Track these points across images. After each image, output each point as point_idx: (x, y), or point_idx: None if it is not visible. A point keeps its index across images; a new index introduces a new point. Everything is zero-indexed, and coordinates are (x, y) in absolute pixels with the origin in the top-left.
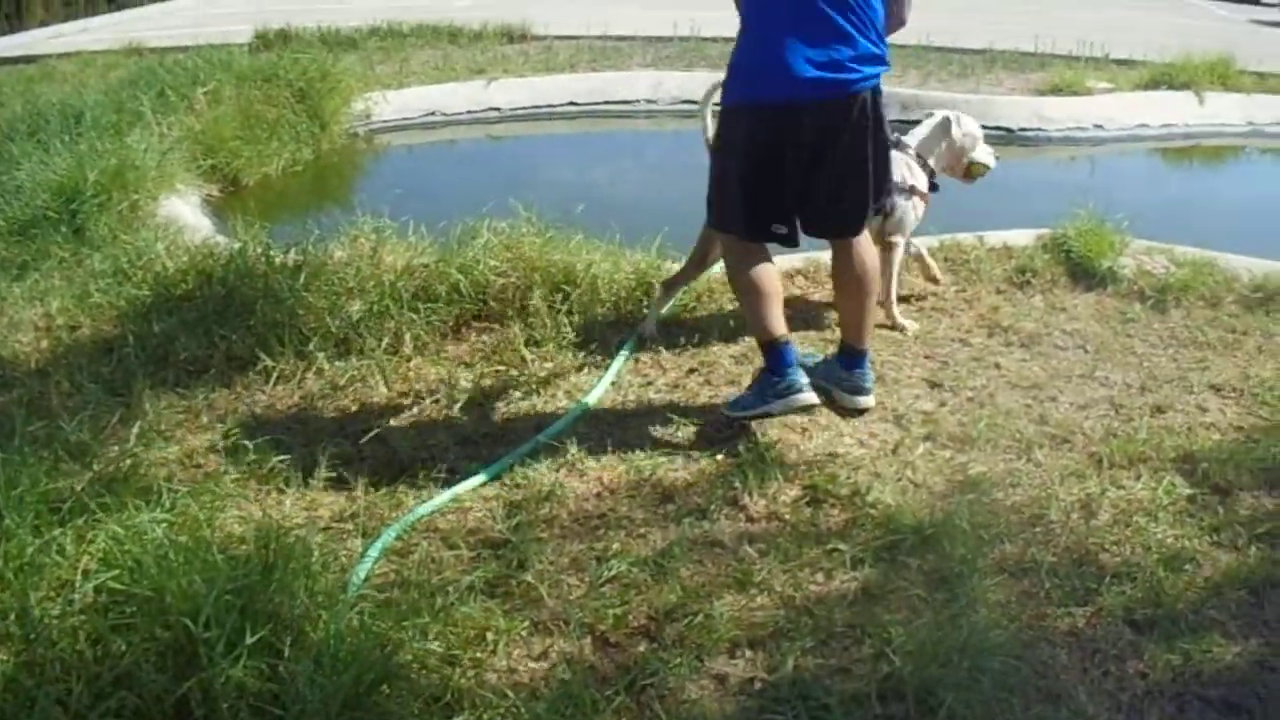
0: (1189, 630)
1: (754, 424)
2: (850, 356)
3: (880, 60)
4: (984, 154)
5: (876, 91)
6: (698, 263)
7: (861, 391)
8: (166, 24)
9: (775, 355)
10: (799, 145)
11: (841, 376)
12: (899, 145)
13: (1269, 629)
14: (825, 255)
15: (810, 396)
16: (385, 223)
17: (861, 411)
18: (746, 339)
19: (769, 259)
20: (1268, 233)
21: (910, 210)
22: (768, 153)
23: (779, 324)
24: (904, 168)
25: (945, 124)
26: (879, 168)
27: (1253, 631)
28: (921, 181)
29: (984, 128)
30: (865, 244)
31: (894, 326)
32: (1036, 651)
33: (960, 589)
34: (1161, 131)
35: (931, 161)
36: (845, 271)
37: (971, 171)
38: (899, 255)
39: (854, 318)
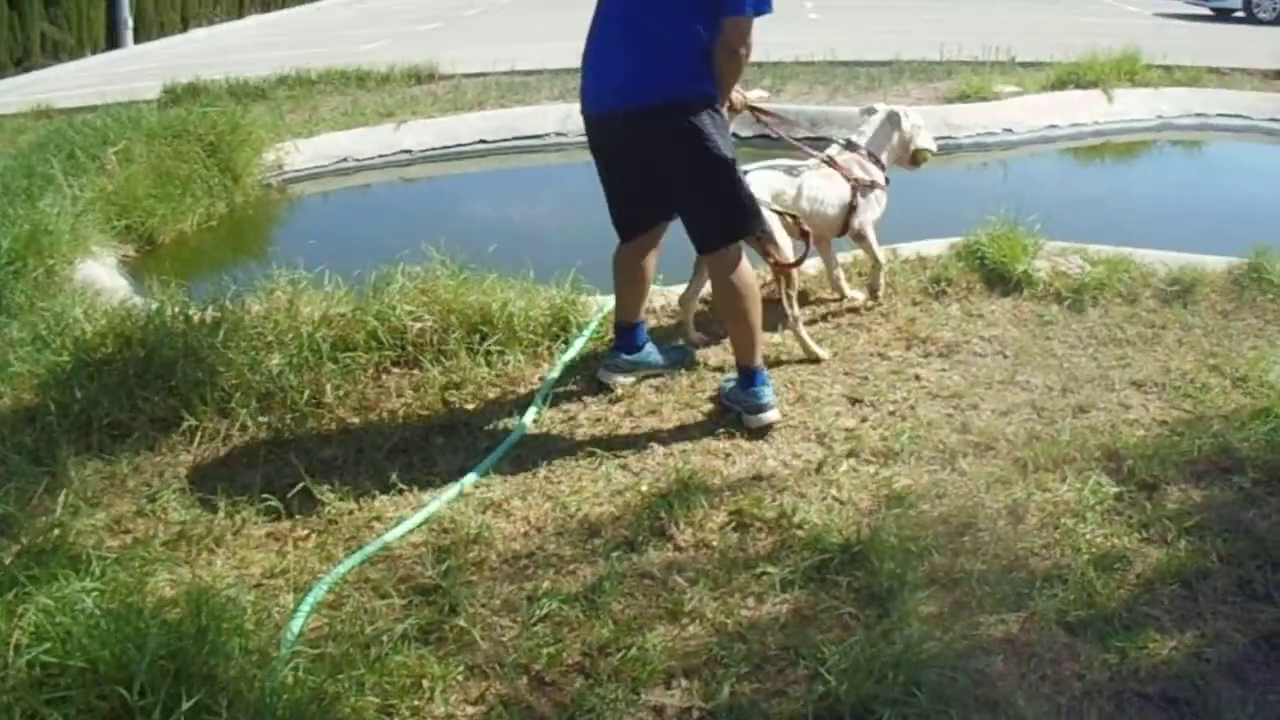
0: (1123, 628)
1: (677, 452)
2: (743, 376)
3: (687, 82)
4: (927, 140)
5: (692, 111)
6: (699, 270)
7: (760, 409)
8: (75, 83)
9: (622, 334)
10: (613, 154)
11: (739, 397)
12: (851, 147)
13: (1203, 621)
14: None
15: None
16: (301, 274)
17: (767, 428)
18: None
19: (633, 250)
20: (1182, 225)
21: (874, 203)
22: (597, 159)
23: (628, 310)
24: (858, 167)
25: (895, 118)
26: (714, 190)
27: (1187, 625)
28: (879, 176)
29: None
30: (728, 265)
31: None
32: (972, 661)
33: (891, 604)
34: (1071, 131)
35: (884, 157)
36: (714, 293)
37: (917, 159)
38: (872, 236)
39: (735, 339)
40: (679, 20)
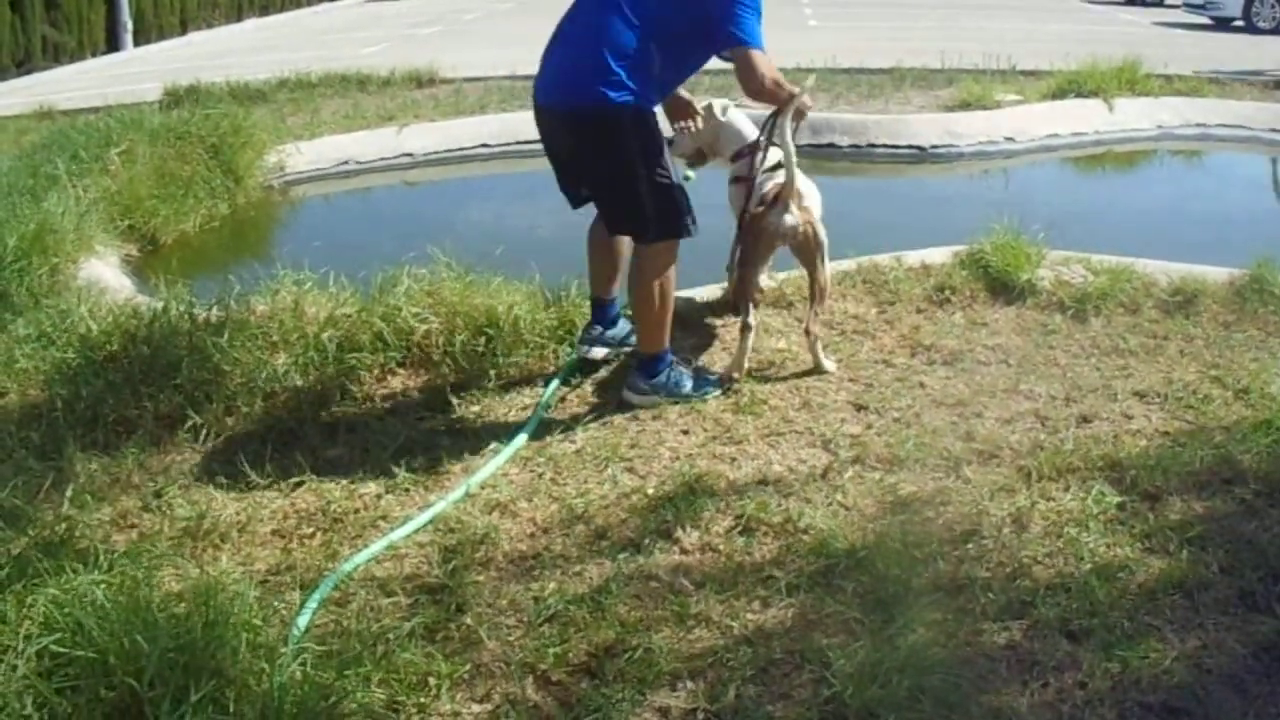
0: (1125, 638)
1: (683, 455)
2: (647, 363)
3: (599, 89)
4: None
5: (601, 118)
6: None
7: (700, 388)
8: (76, 85)
9: (596, 308)
10: (545, 141)
11: (642, 388)
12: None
13: (1204, 631)
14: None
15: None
16: (306, 274)
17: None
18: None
19: (602, 226)
20: (1183, 235)
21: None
22: (544, 145)
23: (598, 284)
24: None
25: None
26: (618, 193)
27: (1189, 635)
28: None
29: (895, 147)
30: (643, 253)
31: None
32: (975, 667)
33: (896, 609)
34: (1072, 140)
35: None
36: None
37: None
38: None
39: (638, 325)
40: (609, 27)
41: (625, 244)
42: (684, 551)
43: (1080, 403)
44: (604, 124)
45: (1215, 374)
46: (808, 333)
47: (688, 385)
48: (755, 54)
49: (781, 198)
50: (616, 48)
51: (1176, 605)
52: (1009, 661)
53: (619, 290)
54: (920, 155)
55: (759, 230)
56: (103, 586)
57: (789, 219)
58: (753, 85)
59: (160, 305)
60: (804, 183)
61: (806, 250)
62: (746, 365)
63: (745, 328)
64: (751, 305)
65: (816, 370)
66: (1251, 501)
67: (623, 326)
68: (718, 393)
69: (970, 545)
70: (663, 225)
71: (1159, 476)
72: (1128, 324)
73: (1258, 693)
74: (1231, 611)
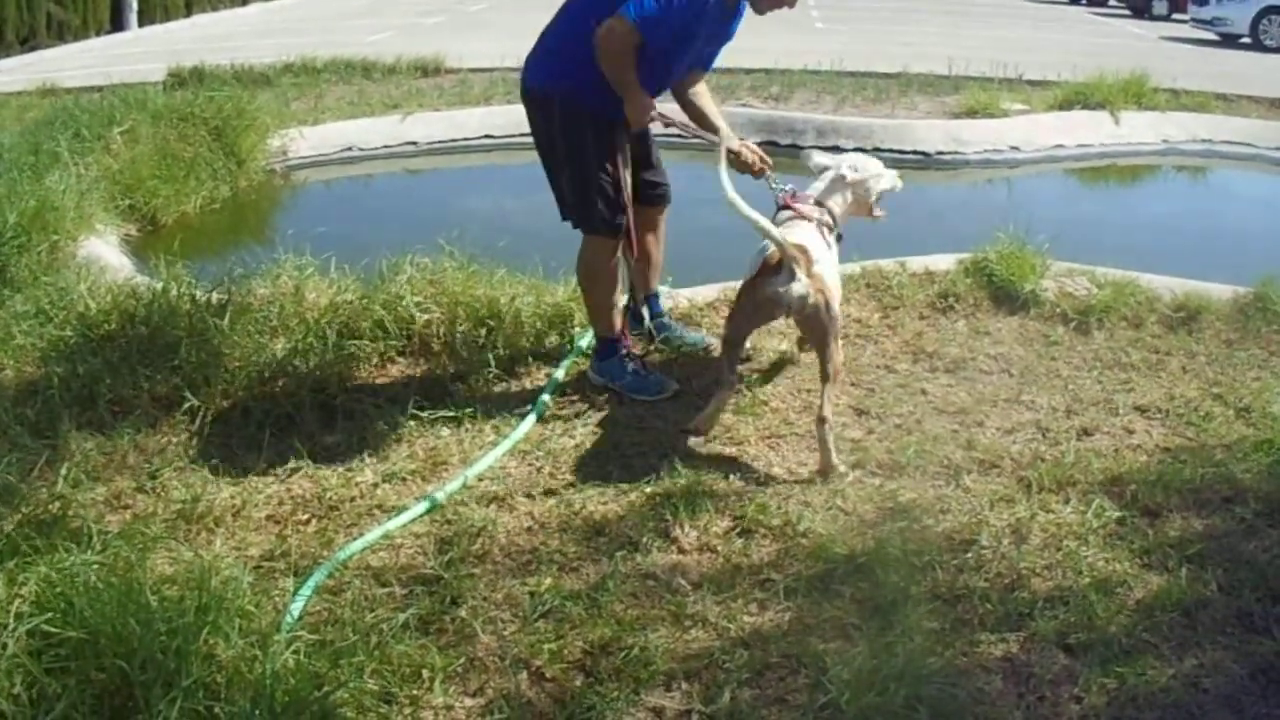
0: (1122, 653)
1: (683, 455)
2: (600, 347)
3: (556, 71)
4: (887, 184)
5: (554, 98)
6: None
7: (637, 390)
8: (80, 63)
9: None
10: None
11: (596, 367)
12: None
13: (1201, 650)
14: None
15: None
16: (307, 260)
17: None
18: (673, 370)
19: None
20: (1187, 251)
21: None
22: None
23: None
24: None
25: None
26: (561, 179)
27: (1186, 653)
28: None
29: (900, 152)
30: (586, 244)
31: None
32: (972, 678)
33: (894, 617)
34: (1077, 151)
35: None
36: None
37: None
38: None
39: (587, 310)
40: (567, 13)
41: (651, 244)
42: (682, 551)
43: (1081, 415)
44: (538, 105)
45: (1217, 391)
46: (821, 421)
47: (625, 380)
48: (613, 22)
49: (784, 263)
50: (565, 34)
51: (1174, 623)
52: (1005, 673)
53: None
54: (925, 161)
55: (757, 300)
56: (95, 567)
57: (797, 288)
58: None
59: (160, 286)
60: (815, 243)
61: (816, 326)
62: (715, 424)
63: (724, 384)
64: (734, 365)
65: (824, 470)
66: (1251, 521)
67: (667, 322)
68: (651, 399)
69: (969, 554)
70: (581, 216)
71: (1159, 492)
72: (1130, 338)
73: (1255, 714)
74: (1229, 631)
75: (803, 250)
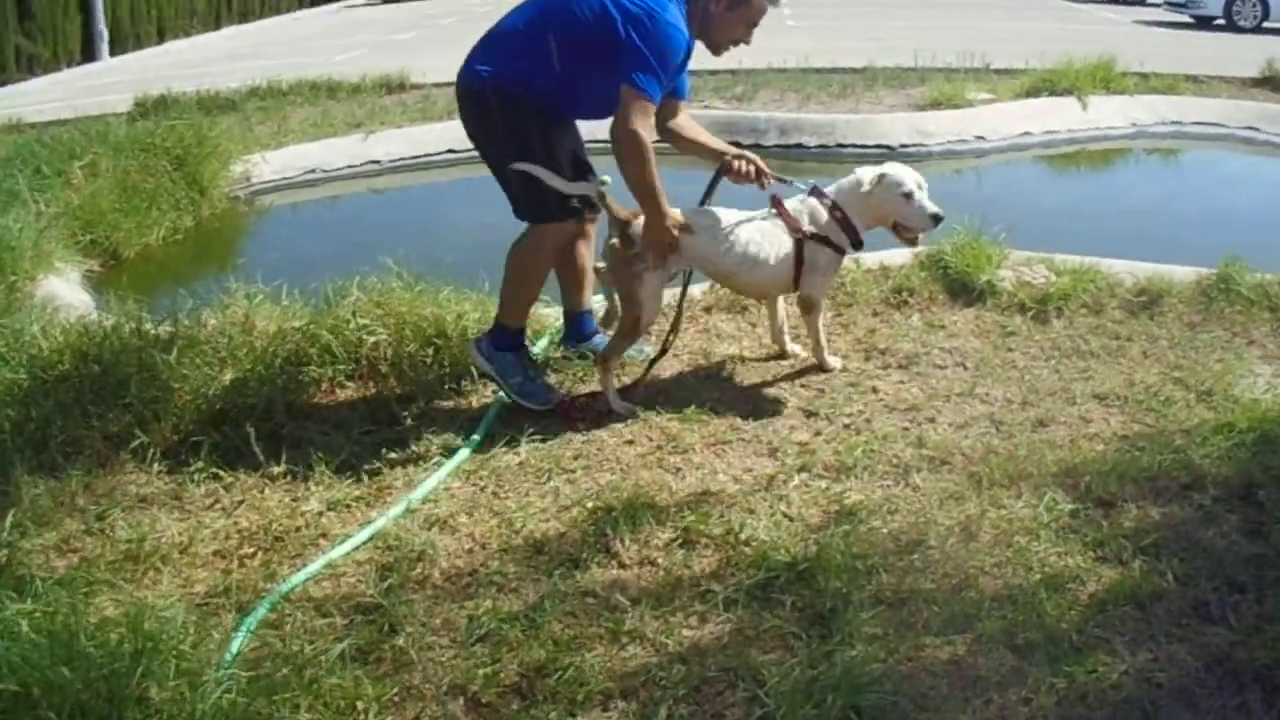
0: (1073, 651)
1: (627, 467)
2: (495, 332)
3: (492, 64)
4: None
5: (489, 95)
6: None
7: (524, 395)
8: (49, 97)
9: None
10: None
11: (484, 350)
12: (815, 192)
13: (1155, 644)
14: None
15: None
16: (258, 288)
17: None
18: (621, 382)
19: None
20: (1153, 234)
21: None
22: None
23: (569, 299)
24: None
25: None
26: (499, 173)
27: (1139, 647)
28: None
29: (864, 146)
30: (532, 232)
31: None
32: (915, 683)
33: (835, 624)
34: (1045, 139)
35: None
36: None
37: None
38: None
39: (502, 293)
40: (516, 14)
41: (584, 254)
42: (622, 566)
43: (1037, 406)
44: (471, 98)
45: (1178, 375)
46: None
47: (514, 381)
48: (640, 102)
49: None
50: (507, 30)
51: (1127, 617)
52: (951, 677)
53: (587, 302)
54: (889, 155)
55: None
56: (32, 616)
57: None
58: (618, 129)
59: (111, 323)
60: (730, 223)
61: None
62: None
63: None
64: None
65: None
66: (1210, 507)
67: (597, 343)
68: (537, 408)
69: (916, 555)
70: (529, 208)
71: (1114, 482)
72: (1090, 325)
73: (1208, 706)
74: (1184, 623)
75: (635, 214)
